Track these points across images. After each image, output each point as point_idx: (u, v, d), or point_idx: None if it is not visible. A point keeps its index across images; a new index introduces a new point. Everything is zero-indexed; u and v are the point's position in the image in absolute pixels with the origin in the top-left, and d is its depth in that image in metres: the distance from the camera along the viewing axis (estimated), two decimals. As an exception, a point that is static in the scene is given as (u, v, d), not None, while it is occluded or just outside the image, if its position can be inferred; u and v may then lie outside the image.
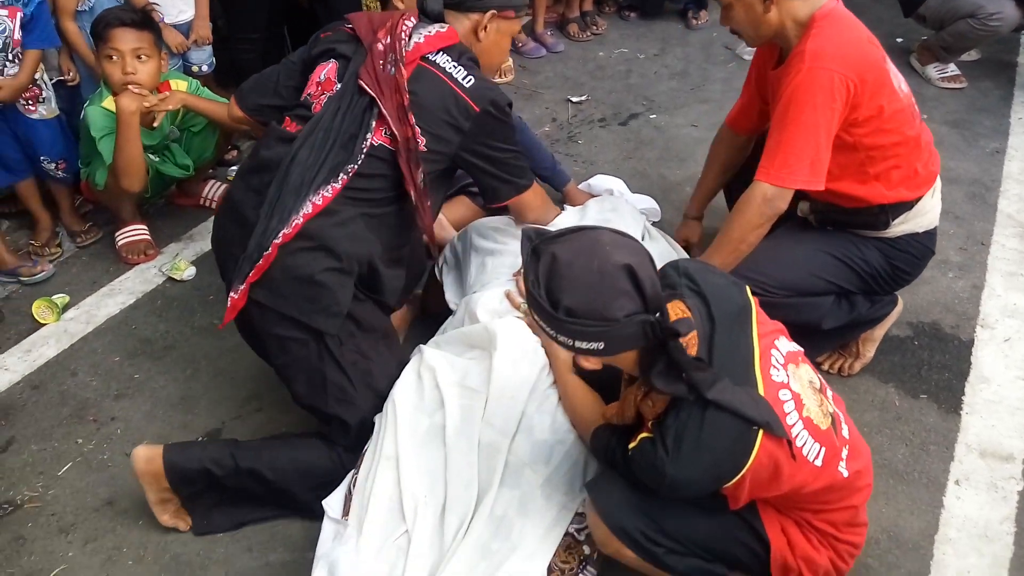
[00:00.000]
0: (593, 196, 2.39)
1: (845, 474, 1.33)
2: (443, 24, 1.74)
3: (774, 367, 1.29)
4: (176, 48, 2.74)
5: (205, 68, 2.87)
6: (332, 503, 1.58)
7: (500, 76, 3.46)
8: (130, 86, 2.29)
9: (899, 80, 1.81)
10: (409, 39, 1.69)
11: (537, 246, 1.25)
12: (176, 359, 2.19)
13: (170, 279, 2.47)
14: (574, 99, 3.42)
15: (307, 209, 1.60)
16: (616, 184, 2.50)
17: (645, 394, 1.32)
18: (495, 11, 1.78)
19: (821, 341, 2.01)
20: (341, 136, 1.65)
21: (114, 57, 2.32)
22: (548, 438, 1.56)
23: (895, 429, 1.91)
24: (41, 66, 2.44)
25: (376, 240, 1.70)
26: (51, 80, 2.54)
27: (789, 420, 1.25)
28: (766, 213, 1.75)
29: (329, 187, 1.62)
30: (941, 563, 1.63)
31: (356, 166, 1.64)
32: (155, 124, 2.38)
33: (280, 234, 1.58)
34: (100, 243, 2.65)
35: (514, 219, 2.01)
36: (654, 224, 2.30)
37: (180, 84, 2.50)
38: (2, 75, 2.32)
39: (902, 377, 2.04)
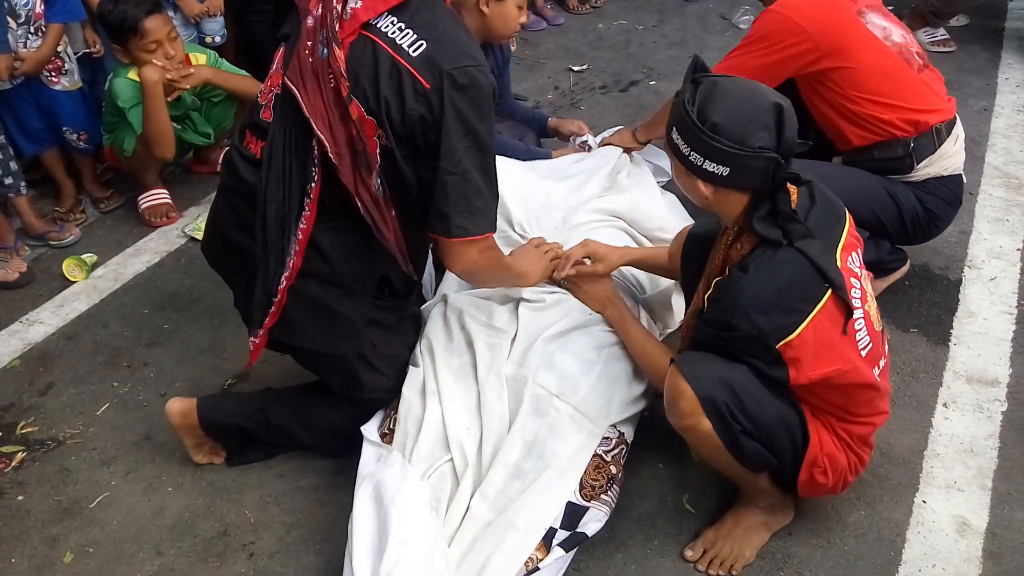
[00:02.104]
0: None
1: (877, 379, 1.43)
2: None
3: (851, 264, 1.39)
4: (193, 18, 2.82)
5: (218, 39, 2.95)
6: (370, 429, 1.66)
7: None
8: (154, 61, 2.38)
9: (887, 30, 1.92)
10: (344, 5, 1.34)
11: (697, 77, 1.33)
12: (203, 311, 2.30)
13: (192, 239, 2.57)
14: (575, 68, 3.52)
15: (295, 247, 1.43)
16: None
17: (734, 238, 1.41)
18: None
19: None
20: (296, 151, 1.39)
21: (154, 48, 2.38)
22: (574, 371, 1.62)
23: (886, 359, 2.02)
24: (64, 39, 2.53)
25: (377, 249, 1.49)
26: (76, 53, 2.63)
27: (853, 303, 1.35)
28: None
29: (303, 217, 1.41)
30: (929, 475, 1.74)
31: (314, 184, 1.39)
32: (171, 98, 2.46)
33: (283, 278, 1.45)
34: (122, 208, 2.76)
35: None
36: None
37: (200, 58, 2.60)
38: (25, 48, 2.41)
39: (893, 313, 2.15)
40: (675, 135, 1.34)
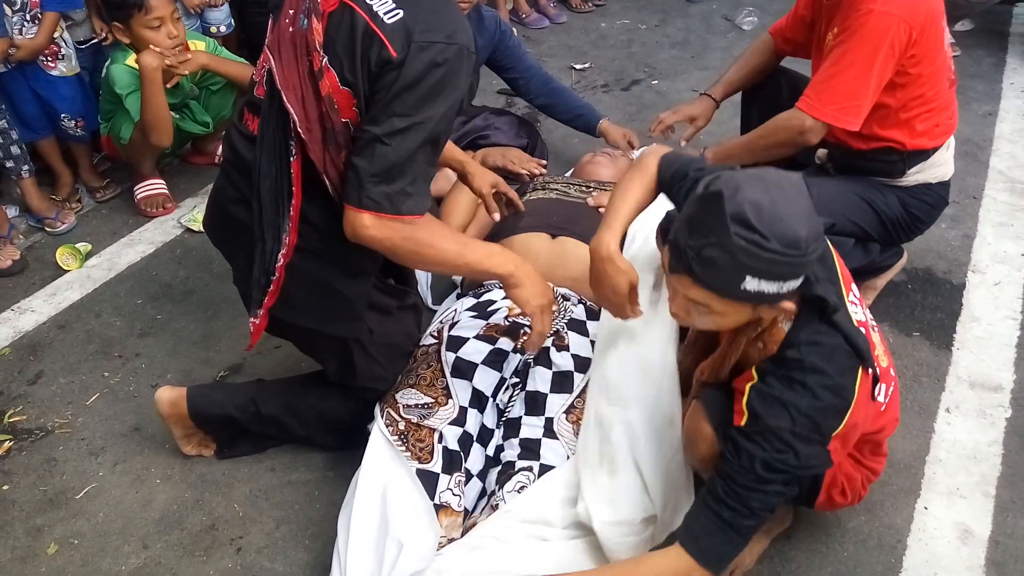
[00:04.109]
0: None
1: (883, 407, 1.35)
2: None
3: (852, 302, 1.27)
4: (194, 8, 2.80)
5: (223, 29, 2.93)
6: (376, 415, 1.63)
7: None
8: (152, 46, 2.35)
9: (946, 34, 1.87)
10: None
11: (723, 196, 1.08)
12: (197, 302, 2.27)
13: (188, 230, 2.54)
14: (577, 66, 3.50)
15: (289, 223, 1.40)
16: None
17: (758, 335, 1.25)
18: None
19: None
20: (282, 126, 1.35)
21: (158, 25, 2.35)
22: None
23: (888, 363, 1.99)
24: (61, 24, 2.50)
25: None
26: (84, 40, 2.60)
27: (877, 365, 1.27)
28: (798, 141, 1.86)
29: (291, 193, 1.38)
30: (932, 480, 1.71)
31: (294, 159, 1.35)
32: (169, 84, 2.43)
33: (280, 255, 1.42)
34: (118, 198, 2.73)
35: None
36: None
37: (199, 44, 2.57)
38: (21, 35, 2.38)
39: (896, 317, 2.13)
40: (753, 283, 1.10)
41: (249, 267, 1.48)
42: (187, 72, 2.43)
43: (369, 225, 1.33)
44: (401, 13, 1.27)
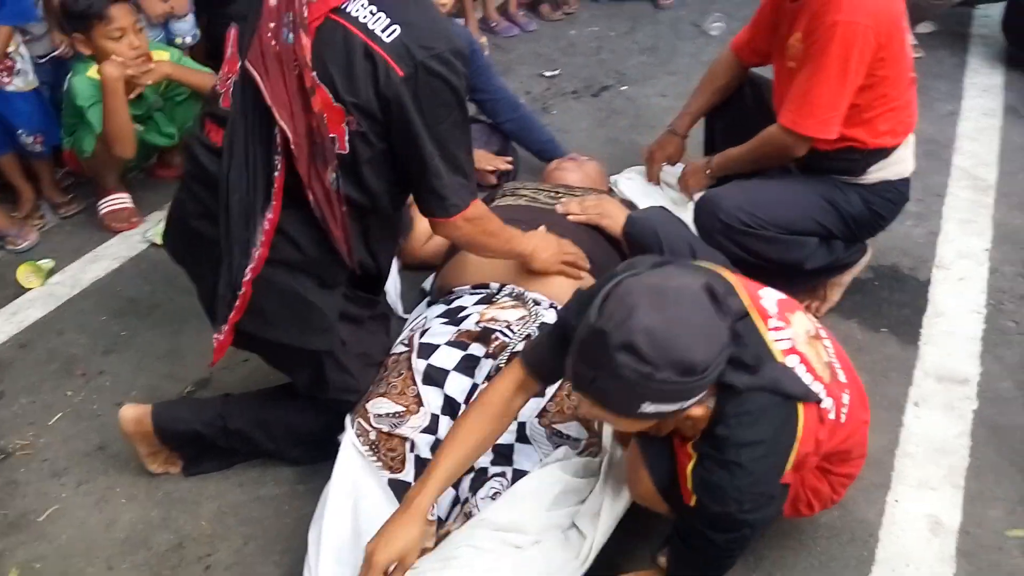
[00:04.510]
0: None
1: (843, 420, 1.31)
2: None
3: (773, 329, 1.26)
4: (156, 19, 2.77)
5: (189, 39, 2.89)
6: (347, 426, 1.60)
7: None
8: (113, 57, 2.32)
9: (909, 36, 1.90)
10: None
11: (607, 332, 1.06)
12: (162, 316, 2.24)
13: (154, 244, 2.51)
14: (547, 74, 3.51)
15: (261, 237, 1.39)
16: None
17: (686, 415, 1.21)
18: None
19: (795, 282, 2.10)
20: (260, 140, 1.35)
21: (119, 36, 2.33)
22: None
23: (857, 359, 1.94)
24: (17, 38, 2.46)
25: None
26: (44, 54, 2.57)
27: (813, 390, 1.23)
28: (786, 156, 1.93)
29: (270, 206, 1.38)
30: (901, 473, 1.72)
31: (278, 173, 1.36)
32: (132, 95, 2.39)
33: (248, 269, 1.41)
34: (82, 213, 2.69)
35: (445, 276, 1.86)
36: None
37: (162, 54, 2.54)
38: (-29, 51, 2.34)
39: (863, 314, 2.14)
40: (651, 407, 1.09)
41: (215, 282, 1.46)
42: (150, 82, 2.41)
43: (461, 226, 1.49)
44: (399, 29, 1.30)
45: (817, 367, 1.27)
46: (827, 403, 1.25)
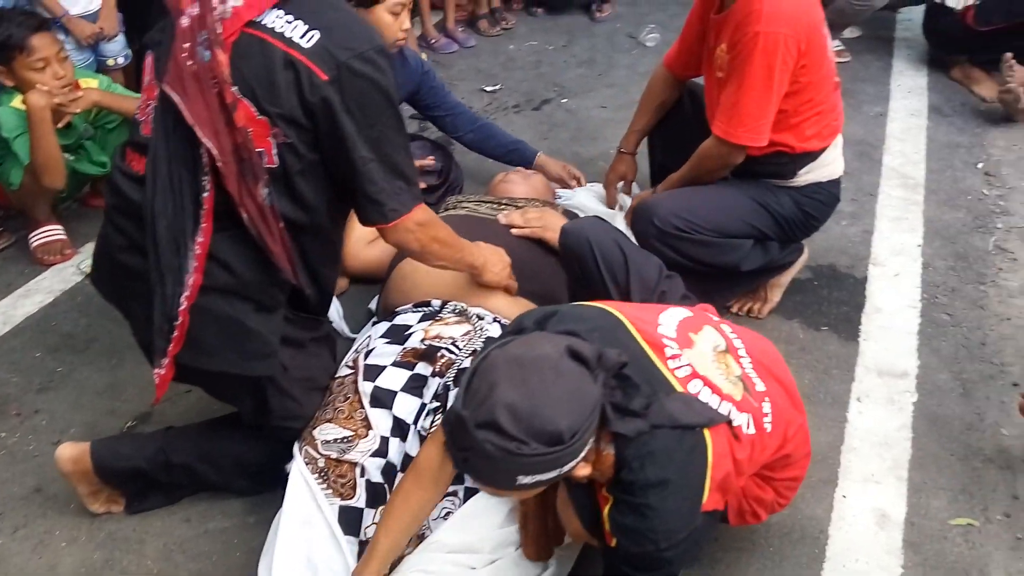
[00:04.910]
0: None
1: (767, 428, 1.31)
2: None
3: (672, 358, 1.27)
4: (85, 40, 2.69)
5: (121, 60, 2.82)
6: (295, 454, 1.57)
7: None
8: (39, 86, 2.25)
9: (829, 42, 1.95)
10: (225, 2, 1.27)
11: (464, 417, 1.08)
12: (100, 350, 2.16)
13: (88, 276, 2.42)
14: (488, 88, 3.53)
15: (194, 263, 1.35)
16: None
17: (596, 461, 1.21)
18: None
19: (735, 285, 2.16)
20: (184, 162, 1.32)
21: (42, 66, 2.26)
22: None
23: (800, 358, 2.05)
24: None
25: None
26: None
27: (712, 406, 1.24)
28: (726, 165, 1.97)
29: (200, 229, 1.34)
30: (847, 469, 1.76)
31: (207, 194, 1.33)
32: (60, 124, 2.32)
33: (183, 298, 1.36)
34: (13, 247, 2.60)
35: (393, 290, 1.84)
36: None
37: (90, 82, 2.47)
38: None
39: (804, 313, 2.20)
40: (538, 479, 1.10)
41: (148, 316, 1.41)
42: (78, 111, 2.34)
43: (410, 230, 1.45)
44: (318, 34, 1.29)
45: (724, 385, 1.27)
46: (740, 420, 1.25)
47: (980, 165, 2.86)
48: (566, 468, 1.11)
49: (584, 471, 1.16)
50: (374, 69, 1.31)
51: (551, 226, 1.99)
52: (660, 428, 1.16)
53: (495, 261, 1.77)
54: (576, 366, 1.12)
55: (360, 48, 1.29)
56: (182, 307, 1.36)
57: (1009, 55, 2.99)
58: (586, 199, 2.50)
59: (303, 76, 1.27)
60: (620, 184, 2.43)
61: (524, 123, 3.27)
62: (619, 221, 2.15)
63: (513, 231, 2.03)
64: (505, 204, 2.24)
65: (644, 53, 3.78)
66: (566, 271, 1.86)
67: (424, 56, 3.63)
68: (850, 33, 3.73)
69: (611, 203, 2.44)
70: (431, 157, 2.60)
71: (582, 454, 1.12)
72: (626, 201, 2.43)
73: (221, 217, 1.35)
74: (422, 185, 2.56)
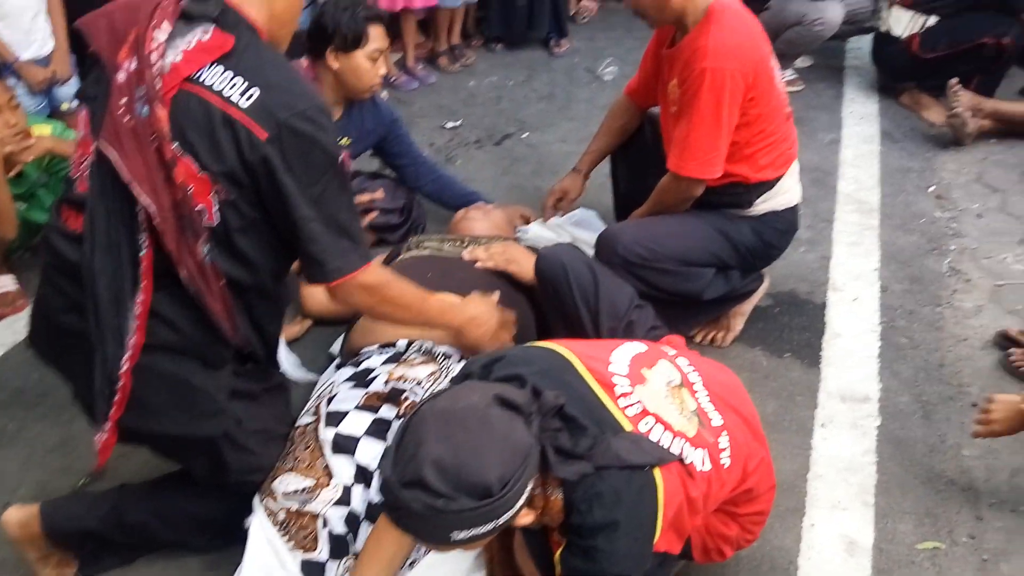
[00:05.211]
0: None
1: (725, 463, 1.30)
2: (207, 26, 1.27)
3: (622, 396, 1.26)
4: (37, 86, 2.66)
5: (75, 104, 2.78)
6: (255, 507, 1.53)
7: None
8: None
9: (777, 73, 2.00)
10: (164, 57, 1.24)
11: (390, 478, 1.07)
12: (52, 406, 2.10)
13: (27, 337, 2.36)
14: (449, 125, 3.54)
15: (135, 323, 1.31)
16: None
17: (543, 508, 1.20)
18: None
19: (698, 313, 2.17)
20: (122, 220, 1.29)
21: None
22: None
23: (765, 386, 2.06)
24: None
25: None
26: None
27: (664, 444, 1.23)
28: (686, 198, 2.00)
29: (140, 288, 1.30)
30: (814, 497, 1.76)
31: (144, 252, 1.29)
32: (12, 173, 2.29)
33: (124, 359, 1.32)
34: (-38, 301, 2.52)
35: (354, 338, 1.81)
36: None
37: (43, 129, 2.44)
38: None
39: (767, 340, 2.21)
40: (472, 534, 1.08)
41: (89, 378, 1.36)
42: (30, 159, 2.30)
43: (355, 291, 1.41)
44: (257, 92, 1.26)
45: (677, 422, 1.26)
46: (694, 456, 1.25)
47: (931, 189, 2.93)
48: (503, 519, 1.09)
49: (527, 519, 1.15)
50: (315, 128, 1.29)
51: (515, 259, 2.00)
52: (607, 469, 1.15)
53: (480, 321, 1.68)
54: (506, 413, 1.10)
55: (300, 106, 1.27)
56: (123, 369, 1.32)
57: (954, 81, 3.09)
58: (539, 231, 2.51)
59: (242, 135, 1.25)
60: (560, 200, 2.44)
61: (486, 158, 3.28)
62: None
63: (478, 264, 2.02)
64: (468, 240, 2.24)
65: (603, 87, 3.84)
66: (540, 295, 1.87)
67: (385, 94, 3.66)
68: (802, 62, 3.83)
69: (546, 213, 2.44)
70: (380, 192, 2.61)
71: (519, 503, 1.10)
72: (575, 227, 2.44)
73: (162, 275, 1.32)
74: (391, 221, 2.59)
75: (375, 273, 1.45)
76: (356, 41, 2.28)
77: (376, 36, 2.33)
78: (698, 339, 2.21)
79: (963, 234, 2.66)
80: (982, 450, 1.84)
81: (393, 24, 3.62)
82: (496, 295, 1.82)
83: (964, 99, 3.10)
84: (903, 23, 3.39)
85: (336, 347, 2.11)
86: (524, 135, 3.45)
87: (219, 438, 1.47)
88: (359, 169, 2.91)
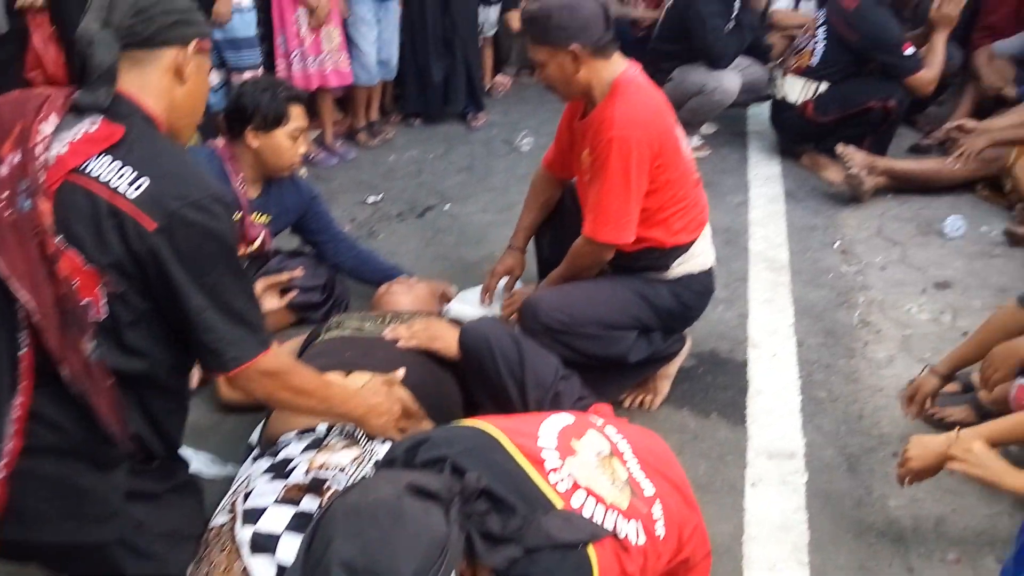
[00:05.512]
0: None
1: (659, 534, 1.28)
2: (95, 117, 1.26)
3: (552, 471, 1.24)
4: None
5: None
6: None
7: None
8: None
9: (683, 141, 2.07)
10: (49, 149, 1.22)
11: None
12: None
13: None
14: (370, 200, 3.53)
15: (12, 427, 1.24)
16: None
17: None
18: (199, 38, 1.34)
19: (624, 378, 2.18)
20: (4, 319, 1.23)
21: None
22: None
23: (694, 447, 2.07)
24: None
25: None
26: None
27: (597, 519, 1.21)
28: (599, 261, 2.05)
29: (19, 389, 1.24)
30: (750, 559, 1.75)
31: (24, 350, 1.23)
32: None
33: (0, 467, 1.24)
34: None
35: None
36: None
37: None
38: None
39: (693, 401, 2.23)
40: None
41: None
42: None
43: (254, 380, 1.37)
44: (147, 181, 1.23)
45: (609, 494, 1.25)
46: (627, 529, 1.23)
47: (836, 244, 3.07)
48: None
49: None
50: (208, 216, 1.26)
51: (439, 335, 1.97)
52: (538, 551, 1.12)
53: (379, 412, 1.63)
54: (421, 503, 1.06)
55: (192, 196, 1.25)
56: (0, 476, 1.22)
57: (841, 145, 3.30)
58: (462, 307, 2.49)
59: (128, 226, 1.22)
60: (505, 279, 2.45)
61: (408, 231, 3.28)
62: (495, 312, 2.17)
63: (400, 344, 1.98)
64: (390, 317, 2.20)
65: (520, 157, 3.92)
66: (466, 370, 1.84)
67: (304, 172, 3.63)
68: (707, 129, 4.02)
69: (488, 291, 2.43)
70: (300, 270, 2.56)
71: None
72: (500, 293, 2.44)
73: (44, 373, 1.24)
74: (313, 299, 2.53)
75: (275, 360, 1.40)
76: (277, 120, 2.30)
77: (296, 115, 2.36)
78: (627, 404, 2.21)
79: (869, 287, 2.79)
80: (907, 499, 1.88)
81: (310, 102, 3.65)
82: (399, 376, 1.77)
83: (858, 159, 3.30)
84: (797, 90, 3.61)
85: (255, 436, 2.02)
86: (446, 206, 3.47)
87: (113, 544, 1.36)
88: (279, 247, 2.86)
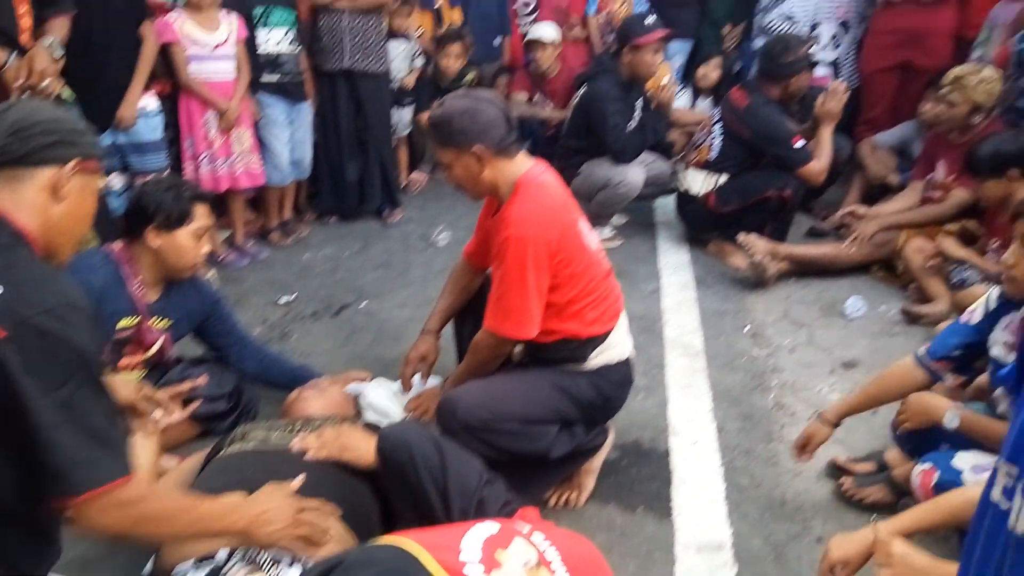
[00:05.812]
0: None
1: None
2: None
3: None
4: None
5: None
6: None
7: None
8: None
9: (589, 235, 2.10)
10: None
11: None
12: None
13: None
14: (283, 300, 3.44)
15: None
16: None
17: None
18: (80, 159, 1.32)
19: (548, 475, 2.13)
20: None
21: None
22: None
23: (622, 546, 2.01)
24: None
25: None
26: None
27: None
28: (500, 354, 2.07)
29: None
30: (685, 664, 1.68)
31: None
32: None
33: None
34: None
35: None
36: None
37: None
38: None
39: (619, 495, 2.19)
40: None
41: None
42: None
43: (106, 510, 1.24)
44: (0, 289, 1.18)
45: None
46: None
47: (747, 328, 3.16)
48: None
49: None
50: (63, 325, 1.19)
51: (350, 445, 1.87)
52: None
53: (270, 518, 1.48)
54: None
55: (48, 304, 1.19)
56: None
57: (742, 234, 3.46)
58: (378, 398, 2.41)
59: None
60: (420, 365, 2.39)
61: (323, 330, 3.19)
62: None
63: (308, 455, 1.88)
64: (299, 426, 2.10)
65: (437, 252, 3.93)
66: (384, 480, 1.75)
67: (212, 273, 3.52)
68: (617, 220, 4.15)
69: (405, 382, 2.38)
70: (204, 378, 2.41)
71: None
72: (417, 384, 2.39)
73: None
74: (218, 409, 2.39)
75: (136, 488, 1.28)
76: (181, 219, 2.25)
77: (201, 214, 2.31)
78: (552, 502, 2.15)
79: (781, 369, 2.86)
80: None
81: (220, 203, 3.58)
82: (297, 483, 1.64)
83: (760, 246, 3.45)
84: (699, 182, 3.79)
85: (148, 568, 1.84)
86: (362, 304, 3.41)
87: None
88: (181, 355, 2.72)
